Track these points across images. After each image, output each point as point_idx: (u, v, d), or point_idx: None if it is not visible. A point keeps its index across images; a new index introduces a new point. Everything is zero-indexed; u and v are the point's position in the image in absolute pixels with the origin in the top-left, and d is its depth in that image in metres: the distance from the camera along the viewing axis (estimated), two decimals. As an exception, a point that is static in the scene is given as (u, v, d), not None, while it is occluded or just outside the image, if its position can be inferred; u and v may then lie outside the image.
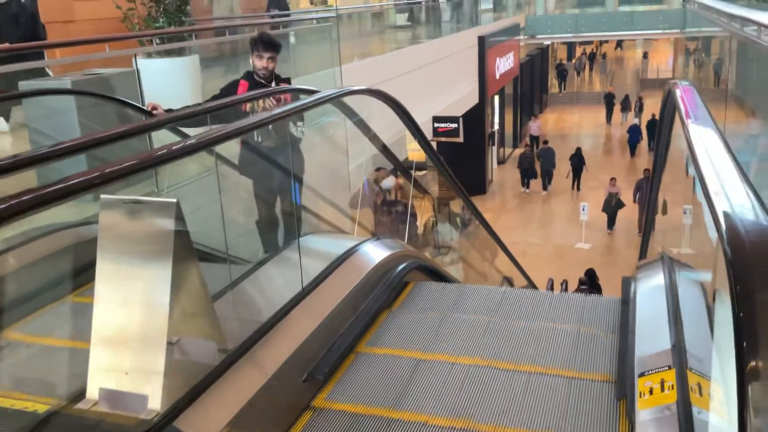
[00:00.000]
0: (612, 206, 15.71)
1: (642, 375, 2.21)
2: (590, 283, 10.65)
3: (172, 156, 2.05)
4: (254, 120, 2.60)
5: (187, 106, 3.59)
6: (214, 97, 4.07)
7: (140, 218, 2.12)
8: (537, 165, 18.98)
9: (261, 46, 3.93)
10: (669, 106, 3.31)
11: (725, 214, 1.14)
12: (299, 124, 3.83)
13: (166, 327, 2.06)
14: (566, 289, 10.70)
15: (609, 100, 27.22)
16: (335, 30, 9.19)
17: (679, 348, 2.25)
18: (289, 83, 4.07)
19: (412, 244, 5.11)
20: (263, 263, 3.30)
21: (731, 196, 1.25)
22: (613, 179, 16.03)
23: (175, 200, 2.08)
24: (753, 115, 7.37)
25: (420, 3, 17.58)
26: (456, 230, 8.30)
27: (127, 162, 1.79)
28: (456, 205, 8.09)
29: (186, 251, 2.16)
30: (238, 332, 2.51)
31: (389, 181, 5.77)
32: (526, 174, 19.06)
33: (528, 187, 19.13)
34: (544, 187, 18.93)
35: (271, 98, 3.78)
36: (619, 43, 43.75)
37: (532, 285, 9.32)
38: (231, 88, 4.01)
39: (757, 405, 0.85)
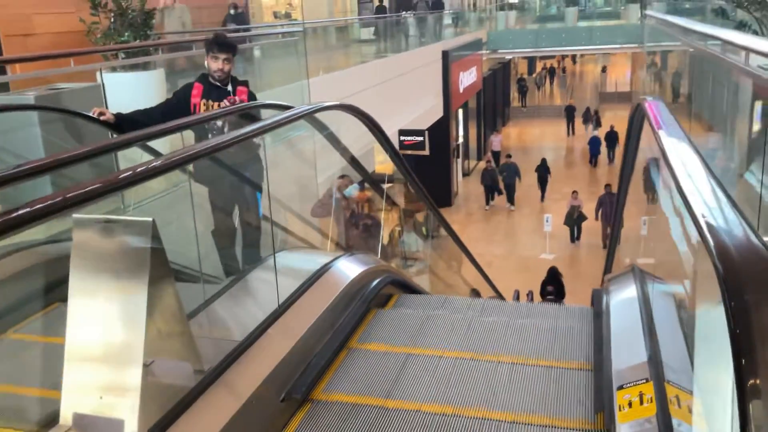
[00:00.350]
0: (574, 219, 15.86)
1: (620, 388, 2.23)
2: (555, 283, 10.82)
3: (137, 179, 1.94)
4: (227, 138, 2.55)
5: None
6: (167, 101, 3.98)
7: (114, 238, 2.07)
8: (500, 180, 18.87)
9: (216, 47, 3.82)
10: (637, 122, 3.38)
11: (713, 231, 1.16)
12: None
13: (141, 349, 2.01)
14: (532, 300, 10.88)
15: (570, 112, 27.79)
16: (301, 44, 9.18)
17: (655, 360, 2.28)
18: (247, 86, 3.97)
19: (382, 256, 5.10)
20: (236, 281, 3.25)
21: (715, 212, 1.27)
22: (574, 192, 16.20)
23: (150, 219, 2.04)
24: (710, 129, 7.58)
25: (384, 17, 17.73)
26: (423, 241, 8.33)
27: (90, 186, 1.69)
28: (422, 217, 8.12)
29: (162, 271, 2.12)
30: (214, 353, 2.46)
31: (353, 189, 5.65)
32: (490, 190, 18.92)
33: (491, 202, 18.99)
34: (510, 201, 18.88)
35: (225, 100, 3.71)
36: (574, 58, 44.61)
37: (499, 296, 9.40)
38: (185, 91, 3.89)
39: (758, 423, 0.86)
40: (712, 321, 1.58)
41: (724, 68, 4.76)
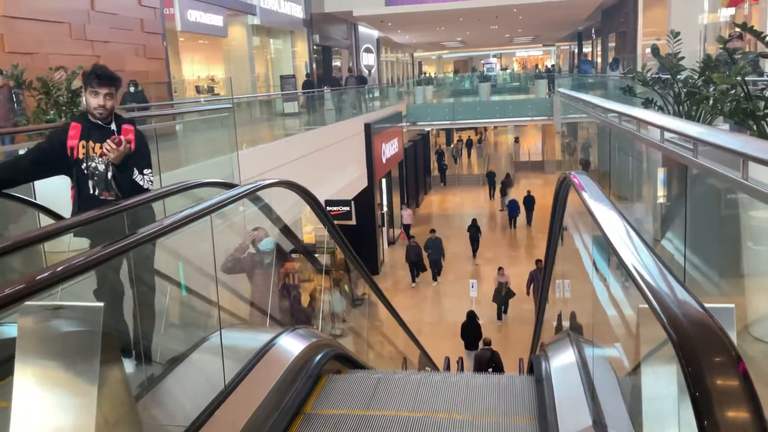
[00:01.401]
0: (502, 296, 15.58)
1: (570, 453, 2.30)
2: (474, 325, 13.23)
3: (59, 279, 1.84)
4: (169, 222, 2.50)
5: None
6: (38, 146, 3.50)
7: (62, 324, 2.01)
8: (425, 256, 18.38)
9: (96, 80, 3.29)
10: (562, 196, 3.59)
11: (662, 303, 1.27)
12: (146, 171, 3.34)
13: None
14: (462, 368, 11.02)
15: (491, 177, 29.37)
16: (227, 118, 9.24)
17: (600, 423, 2.37)
18: (134, 124, 3.49)
19: (314, 325, 5.07)
20: (177, 363, 3.16)
21: (660, 282, 1.39)
22: (500, 269, 16.07)
23: (101, 305, 2.00)
24: (621, 198, 8.06)
25: (310, 92, 18.12)
26: (350, 307, 8.32)
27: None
28: (347, 285, 8.14)
29: (111, 358, 2.06)
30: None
31: (268, 243, 5.27)
32: (415, 266, 18.36)
33: (416, 280, 18.41)
34: (434, 278, 18.44)
35: (109, 140, 3.24)
36: (481, 131, 46.55)
37: (431, 362, 9.44)
38: (60, 134, 3.37)
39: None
40: (660, 383, 1.70)
41: (633, 141, 5.15)
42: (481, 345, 12.11)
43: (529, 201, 23.63)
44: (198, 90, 19.17)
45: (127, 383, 2.12)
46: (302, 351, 3.45)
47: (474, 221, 20.24)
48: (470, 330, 13.42)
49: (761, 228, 3.59)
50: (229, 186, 3.51)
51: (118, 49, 12.27)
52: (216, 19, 17.00)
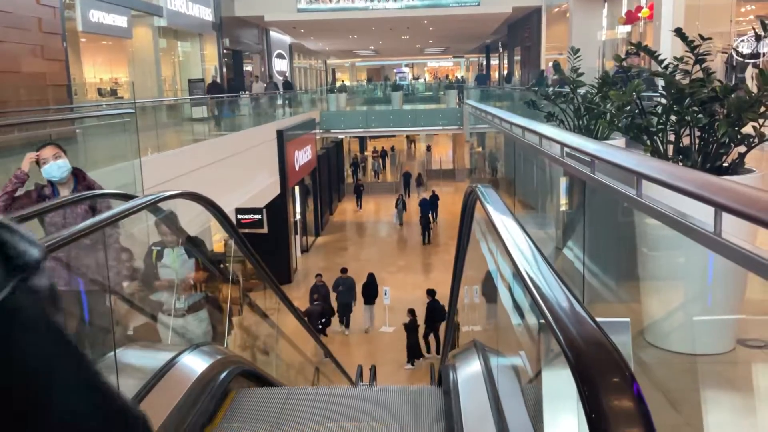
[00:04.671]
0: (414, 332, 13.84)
1: (476, 466, 2.31)
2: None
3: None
4: (65, 235, 2.37)
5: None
6: None
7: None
8: (333, 299, 15.77)
9: None
10: (470, 207, 3.64)
11: (560, 323, 1.28)
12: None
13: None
14: (374, 376, 11.02)
15: (407, 178, 31.81)
16: (130, 123, 8.88)
17: (504, 434, 2.40)
18: None
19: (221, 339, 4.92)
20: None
21: (559, 300, 1.41)
22: (411, 310, 14.26)
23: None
24: (526, 206, 8.32)
25: (219, 98, 17.70)
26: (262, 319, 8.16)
27: None
28: (257, 296, 7.96)
29: None
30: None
31: (53, 168, 4.11)
32: (322, 315, 14.92)
33: (324, 331, 14.81)
34: (344, 323, 15.58)
35: None
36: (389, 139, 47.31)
37: (343, 372, 9.38)
38: None
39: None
40: (558, 393, 1.73)
41: (537, 155, 5.31)
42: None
43: (434, 199, 25.97)
44: (100, 93, 18.34)
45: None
46: (206, 369, 3.32)
47: (433, 195, 23.18)
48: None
49: (655, 235, 3.78)
50: (127, 197, 3.34)
51: (13, 48, 11.51)
52: (120, 20, 16.32)
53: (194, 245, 4.80)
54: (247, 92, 18.71)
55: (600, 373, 1.11)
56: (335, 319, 15.53)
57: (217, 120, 16.01)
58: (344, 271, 16.52)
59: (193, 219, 5.16)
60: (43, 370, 0.57)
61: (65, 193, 4.06)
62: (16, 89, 10.03)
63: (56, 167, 4.06)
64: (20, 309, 0.54)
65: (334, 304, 15.60)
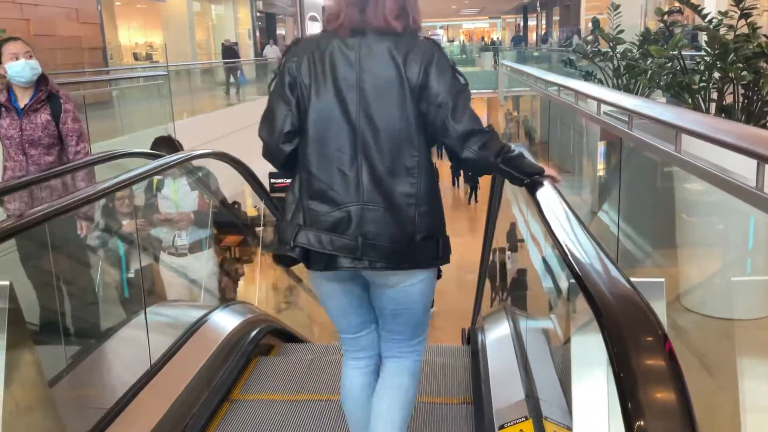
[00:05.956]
0: None
1: (502, 427, 2.29)
2: None
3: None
4: (95, 190, 2.39)
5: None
6: None
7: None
8: None
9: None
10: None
11: (590, 280, 1.23)
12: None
13: (-2, 426, 1.80)
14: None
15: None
16: (165, 87, 8.93)
17: (532, 397, 2.37)
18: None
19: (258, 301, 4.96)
20: (104, 339, 3.02)
21: (591, 258, 1.36)
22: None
23: (7, 283, 1.85)
24: (563, 170, 8.17)
25: (252, 61, 17.67)
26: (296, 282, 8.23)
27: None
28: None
29: (20, 338, 1.92)
30: (80, 422, 2.26)
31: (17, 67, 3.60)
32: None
33: None
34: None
35: None
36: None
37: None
38: None
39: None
40: (588, 357, 1.68)
41: (574, 114, 5.17)
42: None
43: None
44: (136, 57, 18.45)
45: (39, 365, 1.99)
46: (236, 327, 3.35)
47: None
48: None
49: (694, 200, 3.66)
50: (153, 157, 3.35)
51: (49, 12, 11.62)
52: (154, -17, 16.32)
53: (227, 208, 4.82)
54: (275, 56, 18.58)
55: (631, 332, 1.06)
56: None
57: (227, 87, 15.80)
58: None
59: (226, 183, 5.18)
60: None
61: (25, 101, 3.51)
62: (53, 52, 10.13)
63: (28, 67, 3.45)
64: None
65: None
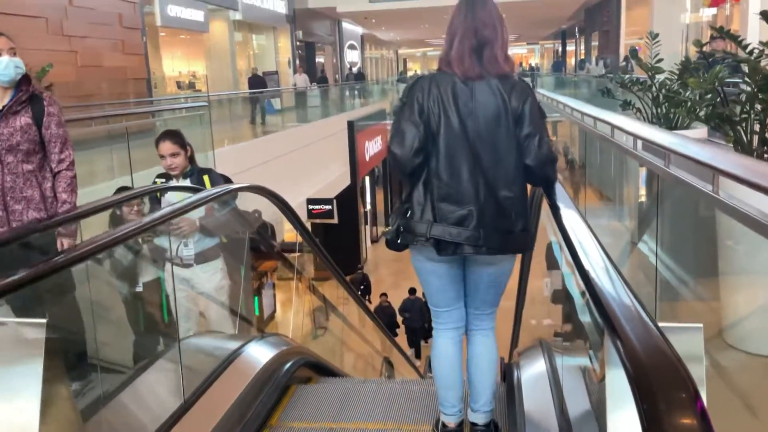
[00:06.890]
0: None
1: (536, 470, 2.24)
2: None
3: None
4: (136, 226, 2.44)
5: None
6: None
7: (3, 341, 1.91)
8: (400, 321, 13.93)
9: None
10: (537, 200, 3.53)
11: (622, 332, 1.20)
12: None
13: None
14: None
15: None
16: (206, 116, 9.12)
17: (567, 436, 2.31)
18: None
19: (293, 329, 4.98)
20: (138, 373, 3.06)
21: (623, 308, 1.33)
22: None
23: (44, 321, 1.90)
24: (602, 197, 8.04)
25: (292, 90, 17.98)
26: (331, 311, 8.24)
27: None
28: (328, 287, 8.00)
29: (56, 373, 1.97)
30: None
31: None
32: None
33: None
34: (412, 346, 13.77)
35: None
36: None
37: (411, 364, 9.39)
38: None
39: None
40: (623, 398, 1.63)
41: (610, 147, 5.11)
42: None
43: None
44: (179, 86, 18.97)
45: (72, 400, 2.02)
46: (271, 359, 3.36)
47: None
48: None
49: (741, 226, 3.54)
50: (196, 190, 3.41)
51: (96, 44, 12.05)
52: (197, 14, 16.79)
53: (261, 237, 4.86)
54: (314, 84, 18.88)
55: (661, 389, 1.03)
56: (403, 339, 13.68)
57: (253, 117, 15.49)
58: (412, 291, 13.74)
59: (265, 209, 5.25)
60: None
61: (4, 102, 3.12)
62: (99, 83, 10.46)
63: (12, 64, 3.08)
64: None
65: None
